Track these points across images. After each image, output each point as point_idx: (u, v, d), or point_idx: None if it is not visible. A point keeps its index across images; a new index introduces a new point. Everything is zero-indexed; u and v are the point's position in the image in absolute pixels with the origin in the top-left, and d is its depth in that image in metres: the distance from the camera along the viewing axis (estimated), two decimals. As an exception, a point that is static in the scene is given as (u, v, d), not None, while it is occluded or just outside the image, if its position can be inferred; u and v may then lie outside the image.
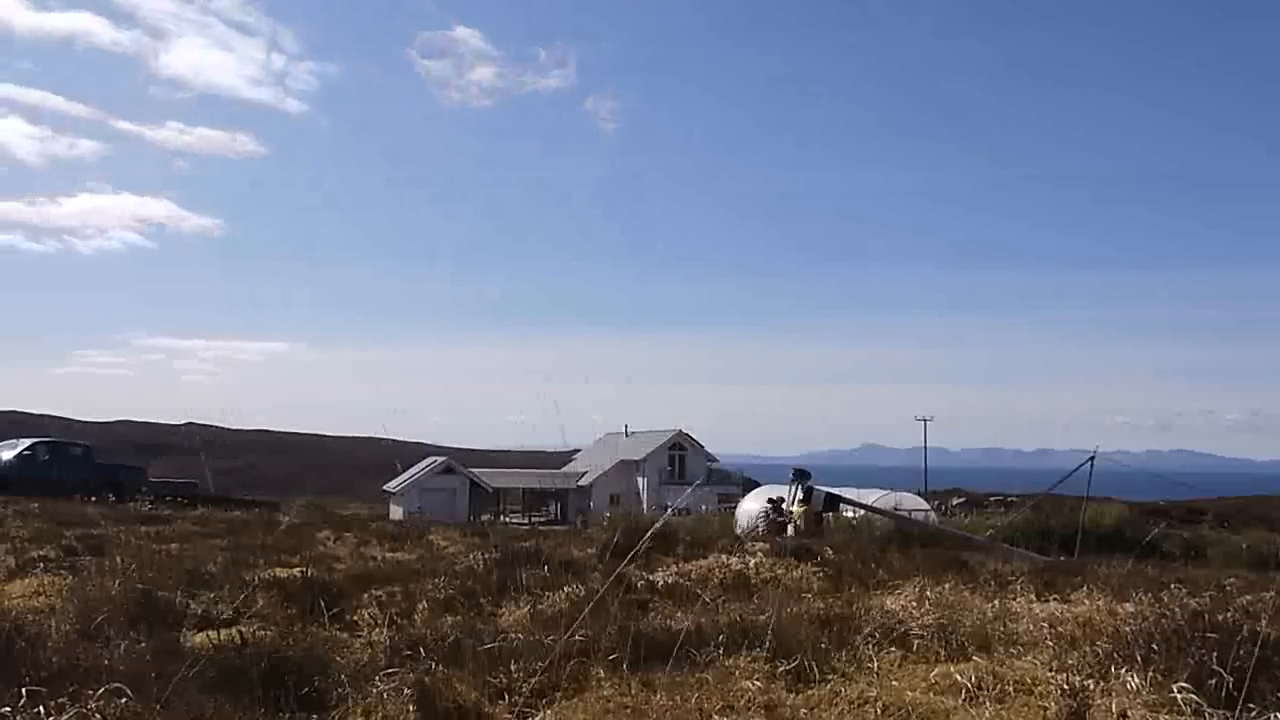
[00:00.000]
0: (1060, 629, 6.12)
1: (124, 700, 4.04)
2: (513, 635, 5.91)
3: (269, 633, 6.02)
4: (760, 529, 22.19)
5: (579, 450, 70.95)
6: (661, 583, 8.55)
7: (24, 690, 4.06)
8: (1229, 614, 5.22)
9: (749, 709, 4.69)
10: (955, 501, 54.78)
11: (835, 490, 25.07)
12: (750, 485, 50.34)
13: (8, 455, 33.93)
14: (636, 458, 62.78)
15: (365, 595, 7.83)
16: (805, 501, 22.29)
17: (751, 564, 9.88)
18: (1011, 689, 4.96)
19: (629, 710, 4.69)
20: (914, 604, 7.02)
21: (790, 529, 21.67)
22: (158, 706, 4.09)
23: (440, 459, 59.47)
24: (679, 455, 63.45)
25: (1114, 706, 4.49)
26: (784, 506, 23.13)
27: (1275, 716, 4.25)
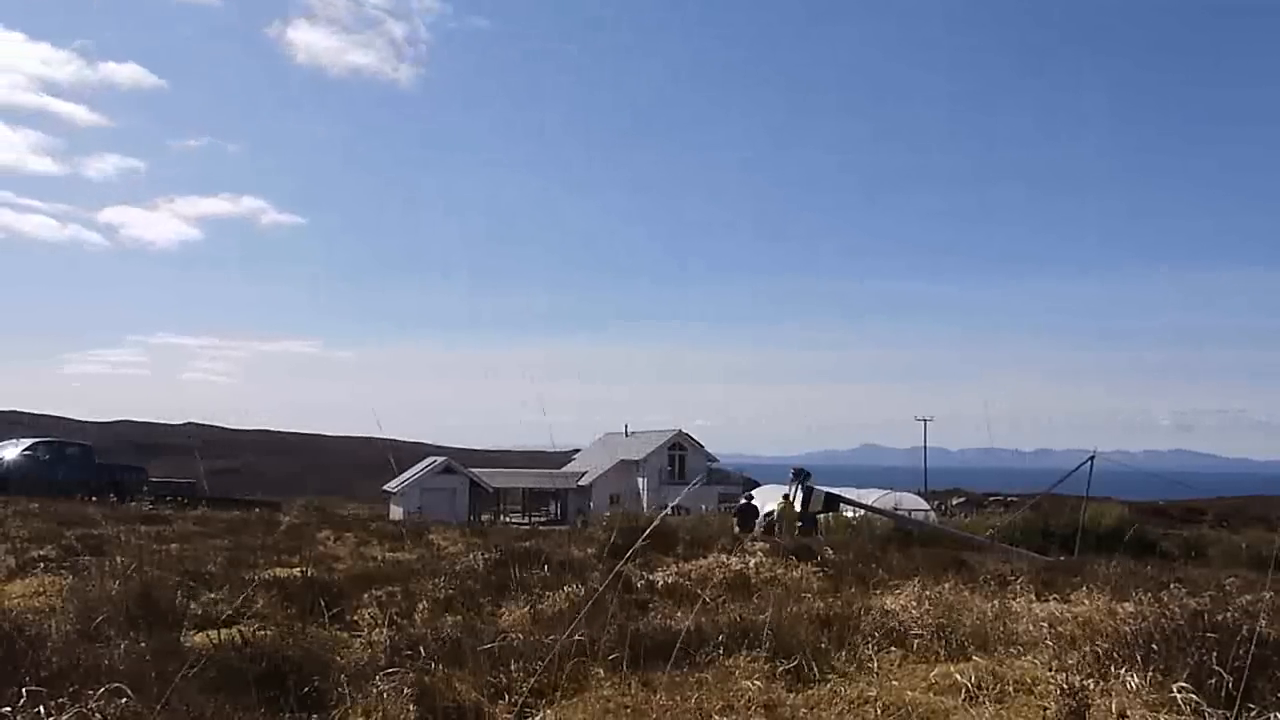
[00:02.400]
0: (1060, 629, 6.12)
1: (124, 700, 4.04)
2: (513, 635, 5.90)
3: (269, 633, 6.02)
4: (735, 527, 22.20)
5: (579, 450, 70.98)
6: (661, 583, 8.55)
7: (24, 690, 4.06)
8: (1229, 614, 5.22)
9: (749, 709, 4.69)
10: (955, 501, 54.85)
11: (835, 490, 25.10)
12: (750, 485, 50.37)
13: (8, 455, 33.93)
14: (636, 458, 62.76)
15: (365, 595, 7.82)
16: (805, 502, 22.32)
17: (751, 564, 9.89)
18: (1011, 689, 4.96)
19: (629, 710, 4.69)
20: (914, 604, 7.02)
21: (780, 529, 21.67)
22: (158, 706, 4.09)
23: (440, 459, 59.45)
24: (679, 455, 63.41)
25: (1114, 706, 4.49)
26: (789, 503, 23.11)
27: (1275, 716, 4.25)
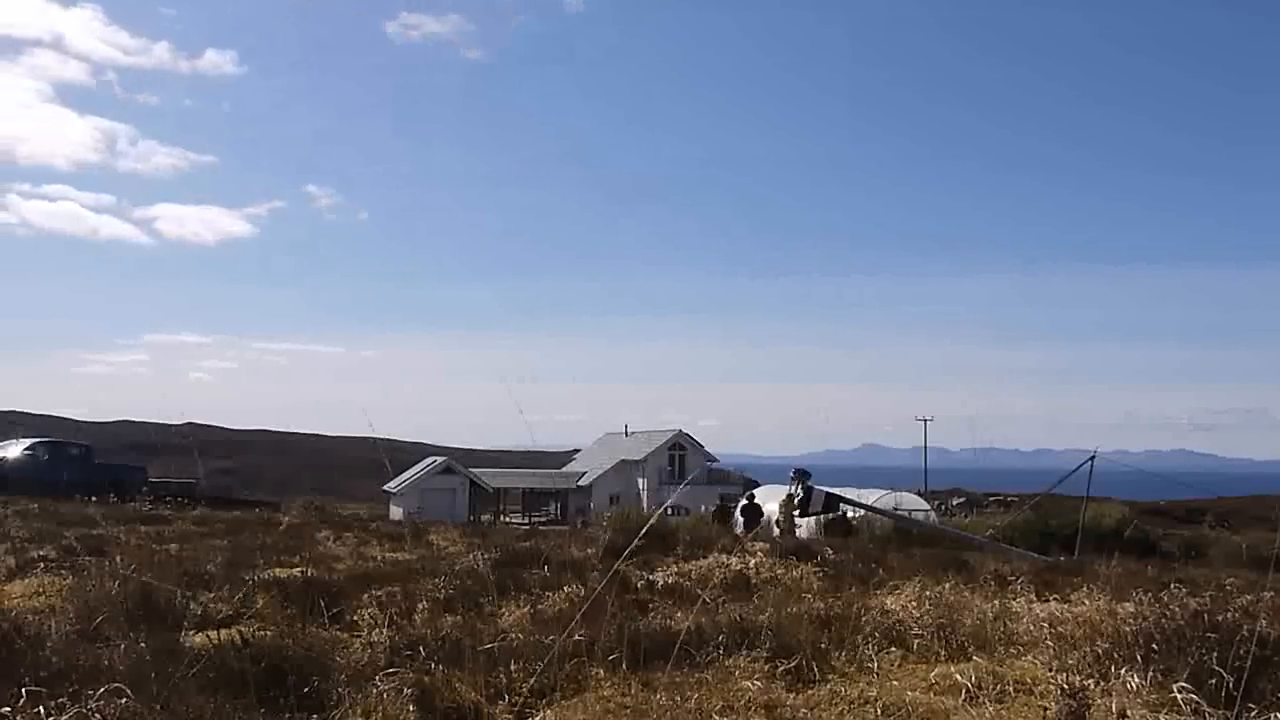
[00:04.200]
0: (1060, 629, 6.11)
1: (124, 700, 4.04)
2: (513, 635, 5.90)
3: (269, 633, 6.01)
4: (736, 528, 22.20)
5: (579, 450, 70.98)
6: (661, 583, 8.54)
7: (24, 690, 4.06)
8: (1229, 614, 5.22)
9: (749, 709, 4.69)
10: (955, 501, 54.92)
11: (835, 490, 25.07)
12: (750, 485, 50.33)
13: (8, 455, 33.94)
14: (636, 458, 62.74)
15: (365, 595, 7.81)
16: (806, 502, 22.31)
17: (751, 564, 9.89)
18: (1011, 689, 4.96)
19: (629, 710, 4.69)
20: (914, 604, 7.02)
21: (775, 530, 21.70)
22: (158, 706, 4.09)
23: (440, 459, 59.44)
24: (679, 455, 63.40)
25: (1114, 706, 4.48)
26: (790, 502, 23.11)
27: (1275, 716, 4.25)
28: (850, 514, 23.94)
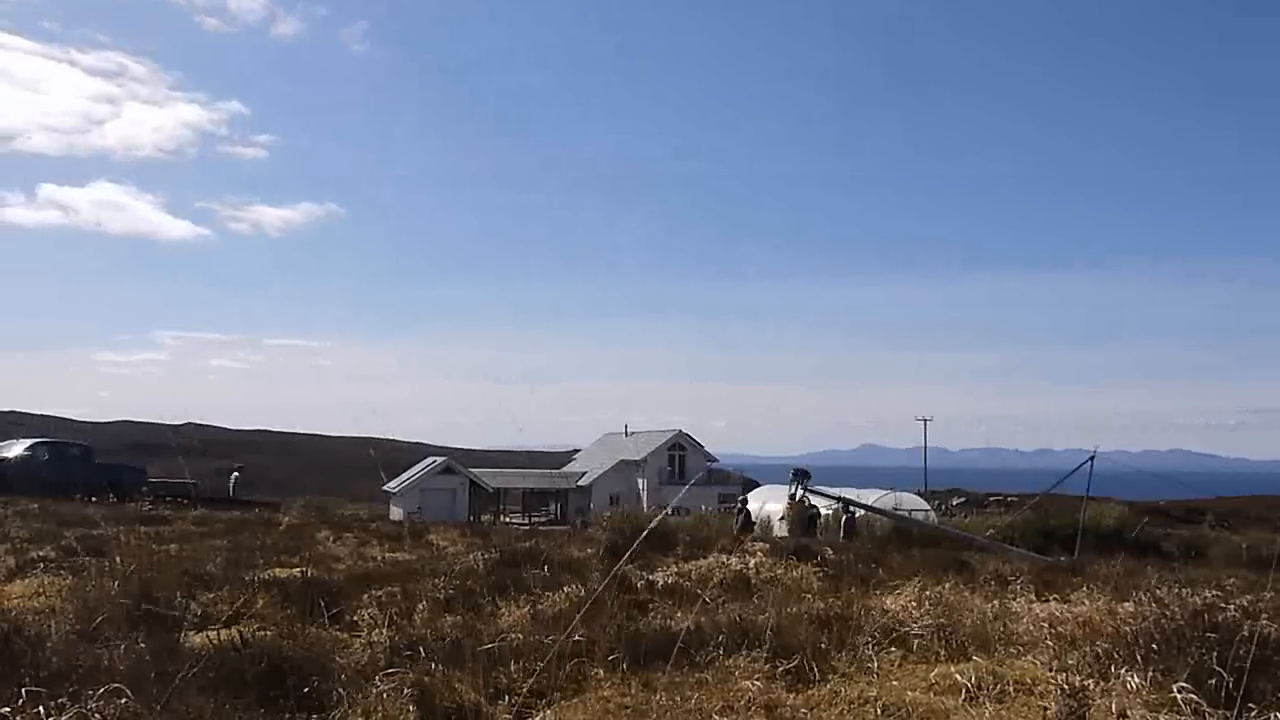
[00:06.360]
0: (1060, 629, 6.12)
1: (124, 700, 4.04)
2: (513, 635, 5.90)
3: (269, 633, 6.01)
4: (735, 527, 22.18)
5: (579, 450, 71.00)
6: (661, 583, 8.54)
7: (24, 690, 4.06)
8: (1229, 614, 5.22)
9: (749, 709, 4.69)
10: (955, 501, 54.96)
11: (834, 490, 25.09)
12: (750, 485, 50.37)
13: (9, 455, 33.91)
14: (636, 458, 62.76)
15: (365, 595, 7.81)
16: (800, 502, 22.35)
17: (751, 564, 9.89)
18: (1011, 689, 4.96)
19: (629, 710, 4.69)
20: (914, 604, 7.02)
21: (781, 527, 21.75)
22: (158, 707, 4.09)
23: (440, 459, 59.44)
24: (679, 455, 63.42)
25: (1114, 706, 4.49)
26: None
27: (1275, 716, 4.25)
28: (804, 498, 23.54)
